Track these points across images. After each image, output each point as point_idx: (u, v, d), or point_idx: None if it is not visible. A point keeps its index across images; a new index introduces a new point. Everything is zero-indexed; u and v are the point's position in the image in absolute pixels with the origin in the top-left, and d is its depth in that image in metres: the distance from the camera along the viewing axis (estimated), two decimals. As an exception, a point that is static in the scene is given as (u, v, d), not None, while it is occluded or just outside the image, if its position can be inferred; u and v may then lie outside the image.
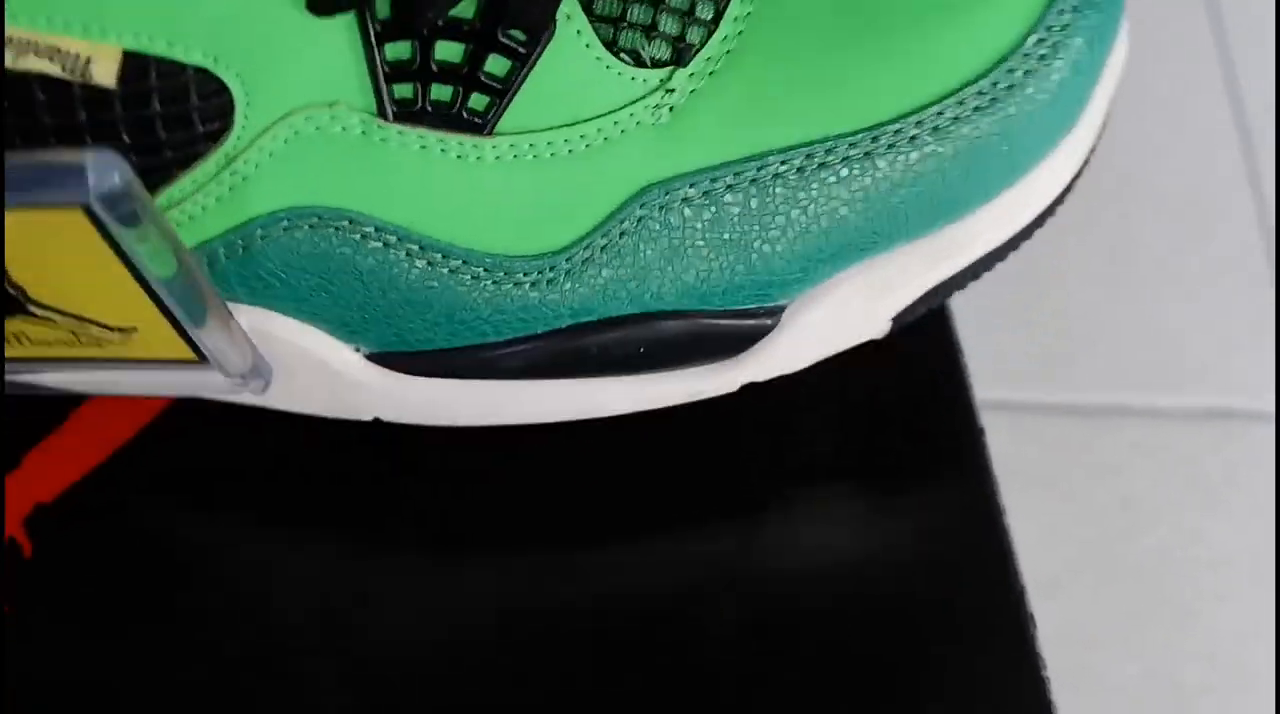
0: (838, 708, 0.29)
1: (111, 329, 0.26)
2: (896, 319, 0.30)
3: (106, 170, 0.22)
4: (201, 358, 0.27)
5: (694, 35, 0.27)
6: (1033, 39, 0.28)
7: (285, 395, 0.31)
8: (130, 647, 0.29)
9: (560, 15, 0.27)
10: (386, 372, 0.30)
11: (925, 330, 0.31)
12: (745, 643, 0.29)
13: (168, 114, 0.26)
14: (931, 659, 0.30)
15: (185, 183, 0.27)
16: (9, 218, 0.22)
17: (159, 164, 0.26)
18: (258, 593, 0.30)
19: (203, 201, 0.27)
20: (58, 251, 0.24)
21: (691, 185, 0.28)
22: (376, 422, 0.31)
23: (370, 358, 0.30)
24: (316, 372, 0.30)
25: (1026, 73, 0.28)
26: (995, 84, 0.28)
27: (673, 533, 0.31)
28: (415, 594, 0.30)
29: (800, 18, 0.28)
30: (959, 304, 0.30)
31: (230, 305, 0.29)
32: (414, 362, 0.29)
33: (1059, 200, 0.31)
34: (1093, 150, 0.31)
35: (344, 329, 0.29)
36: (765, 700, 0.29)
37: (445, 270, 0.28)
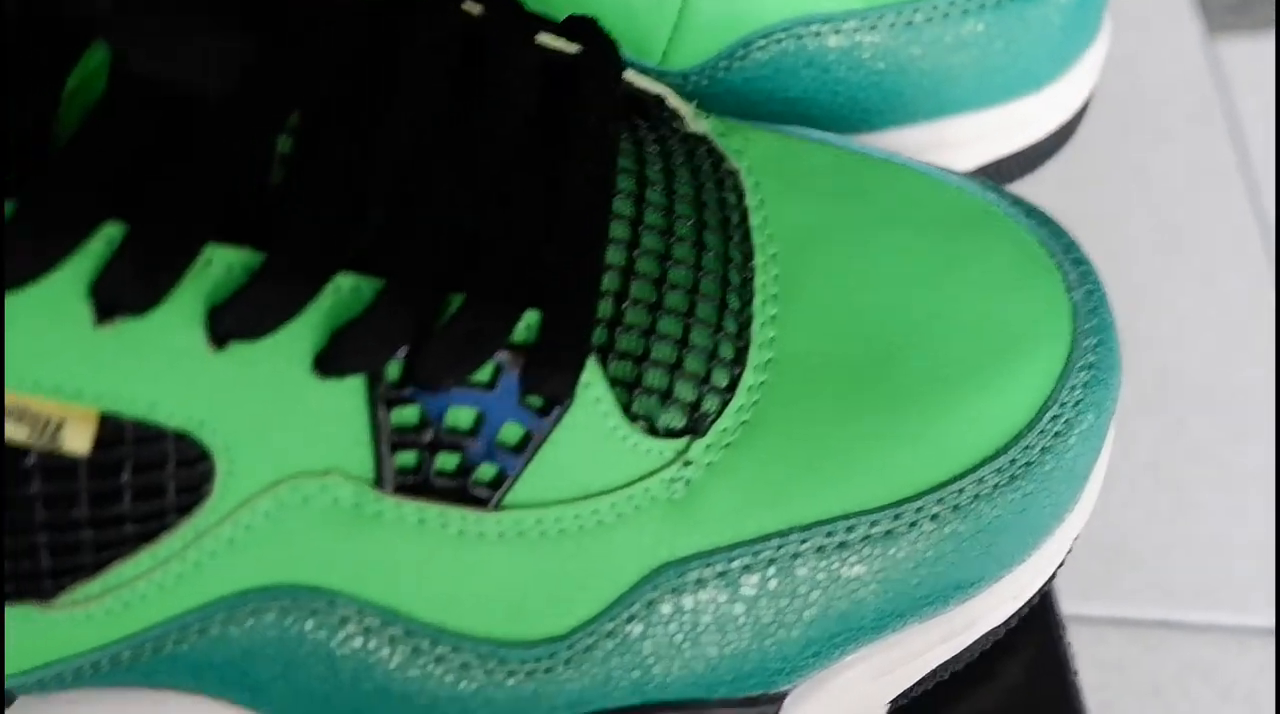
0: None
1: None
2: (893, 703, 0.28)
3: None
4: None
5: (709, 404, 0.25)
6: (1048, 416, 0.27)
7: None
8: None
9: (579, 381, 0.24)
10: (341, 768, 0.26)
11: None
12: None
13: (139, 484, 0.22)
14: None
15: (143, 559, 0.23)
16: None
17: (117, 539, 0.23)
18: None
19: (160, 580, 0.23)
20: None
21: (707, 565, 0.25)
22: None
23: (322, 752, 0.26)
24: (254, 768, 0.26)
25: (1043, 450, 0.27)
26: (1014, 461, 0.26)
27: None
28: None
29: (816, 385, 0.26)
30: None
31: (161, 695, 0.25)
32: (376, 758, 0.26)
33: (1057, 571, 0.29)
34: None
35: (300, 722, 0.25)
36: None
37: (431, 659, 0.25)
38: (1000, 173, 0.33)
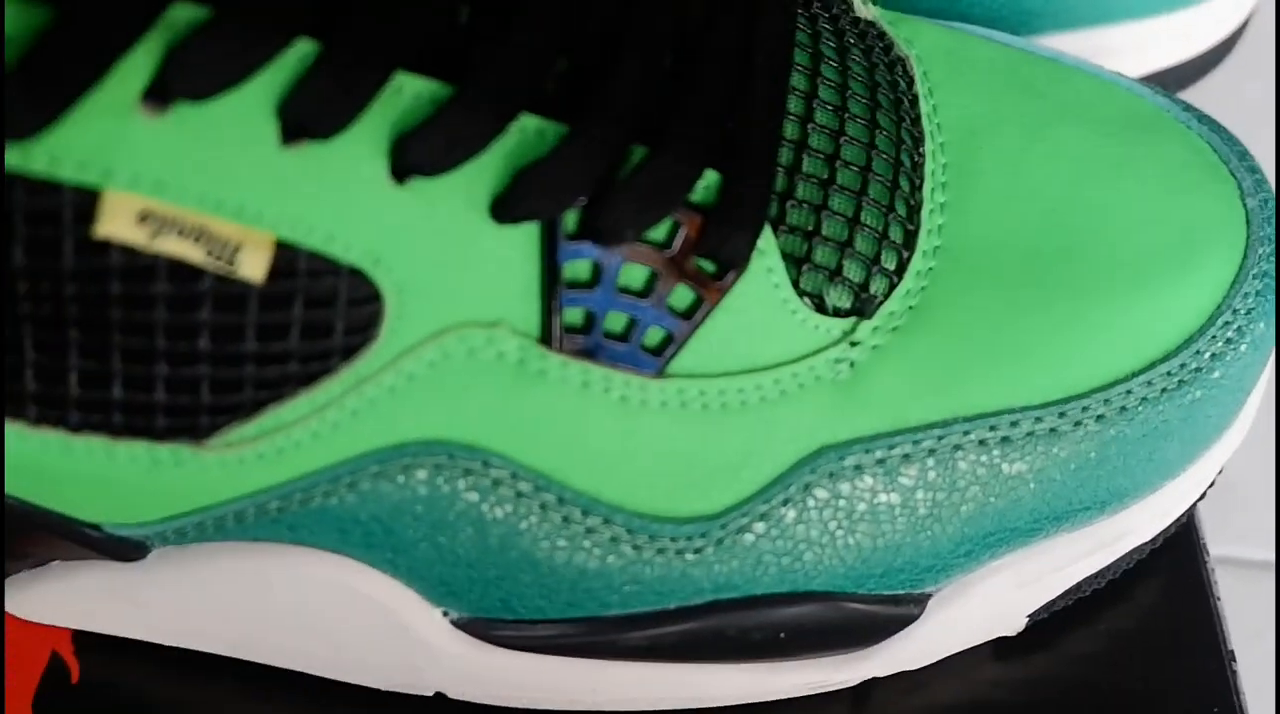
0: None
1: None
2: (1032, 616, 0.28)
3: None
4: None
5: (877, 285, 0.25)
6: (1220, 321, 0.26)
7: (330, 660, 0.26)
8: None
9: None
10: (476, 642, 0.25)
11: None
12: None
13: (308, 320, 0.22)
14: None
15: (301, 403, 0.22)
16: None
17: (279, 378, 0.22)
18: None
19: (315, 427, 0.23)
20: None
21: (867, 451, 0.24)
22: (438, 697, 0.26)
23: (459, 625, 0.25)
24: (386, 635, 0.25)
25: (1213, 356, 0.26)
26: (1183, 366, 0.26)
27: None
28: None
29: (985, 275, 0.25)
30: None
31: (303, 551, 0.24)
32: (514, 633, 0.25)
33: (1206, 491, 0.28)
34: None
35: (440, 589, 0.25)
36: None
37: (582, 529, 0.24)
38: (1158, 85, 0.32)
